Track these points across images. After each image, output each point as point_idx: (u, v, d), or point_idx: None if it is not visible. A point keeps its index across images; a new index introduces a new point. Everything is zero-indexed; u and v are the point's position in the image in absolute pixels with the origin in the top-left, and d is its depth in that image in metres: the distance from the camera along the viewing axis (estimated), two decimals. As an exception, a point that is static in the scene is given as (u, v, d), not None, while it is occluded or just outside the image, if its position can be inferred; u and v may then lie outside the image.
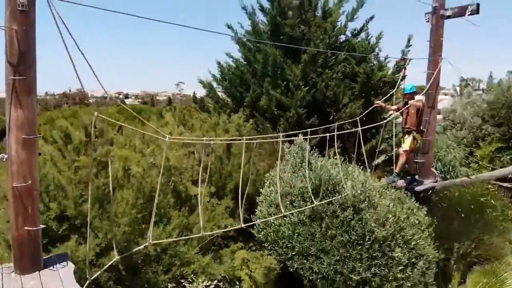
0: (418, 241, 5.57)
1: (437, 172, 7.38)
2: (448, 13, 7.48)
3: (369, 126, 7.93)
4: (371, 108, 8.94)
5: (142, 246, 4.74)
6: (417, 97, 7.33)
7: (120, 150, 6.48)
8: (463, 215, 6.23)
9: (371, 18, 11.66)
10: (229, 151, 8.38)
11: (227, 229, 6.08)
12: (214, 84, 12.03)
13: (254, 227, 6.83)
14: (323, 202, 5.69)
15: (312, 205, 5.55)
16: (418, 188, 6.86)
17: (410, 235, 5.57)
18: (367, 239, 5.45)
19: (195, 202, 6.98)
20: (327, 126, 10.47)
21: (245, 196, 5.12)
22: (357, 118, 7.58)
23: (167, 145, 4.41)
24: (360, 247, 5.46)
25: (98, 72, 3.51)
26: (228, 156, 8.26)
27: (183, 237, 5.61)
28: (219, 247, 7.07)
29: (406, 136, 7.51)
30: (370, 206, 5.80)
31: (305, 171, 6.76)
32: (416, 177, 7.37)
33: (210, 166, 7.86)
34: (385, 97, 9.96)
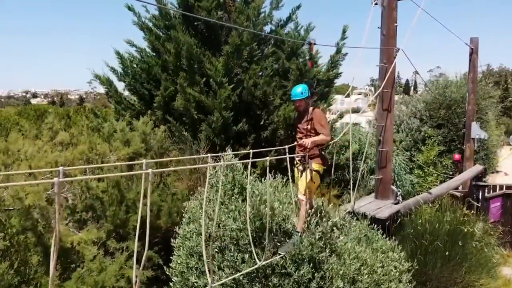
0: (401, 300, 4.01)
1: (398, 190, 6.02)
2: (403, -8, 6.16)
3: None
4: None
5: None
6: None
7: None
8: (446, 252, 4.91)
9: (298, 7, 10.27)
10: (132, 171, 6.15)
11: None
12: (115, 80, 9.56)
13: (171, 285, 4.76)
14: (270, 260, 3.84)
15: (255, 267, 3.66)
16: (381, 215, 5.38)
17: (390, 293, 3.99)
18: (336, 308, 3.73)
19: (75, 256, 4.68)
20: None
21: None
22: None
23: None
24: (327, 320, 3.72)
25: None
26: (130, 179, 6.03)
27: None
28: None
29: (302, 167, 4.50)
30: (332, 253, 4.10)
31: (237, 202, 4.87)
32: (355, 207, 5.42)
33: (102, 196, 5.62)
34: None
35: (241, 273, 3.87)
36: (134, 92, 9.37)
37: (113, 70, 9.44)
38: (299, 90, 4.62)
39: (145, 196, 2.94)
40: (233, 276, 3.88)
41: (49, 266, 4.37)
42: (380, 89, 5.88)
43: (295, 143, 4.69)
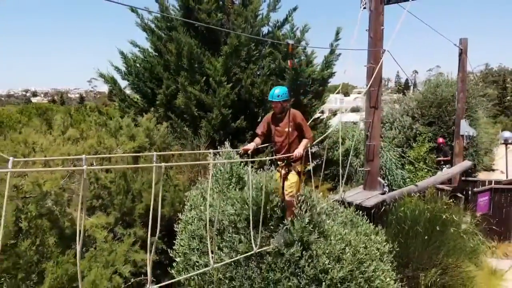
0: (381, 277, 4.45)
1: (384, 182, 6.47)
2: (390, -4, 6.60)
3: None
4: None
5: None
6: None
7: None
8: (426, 236, 5.35)
9: (295, 9, 10.72)
10: (137, 163, 6.60)
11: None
12: (119, 79, 10.00)
13: (174, 265, 5.20)
14: (266, 248, 4.30)
15: (250, 252, 4.12)
16: (367, 203, 5.84)
17: (372, 271, 4.43)
18: (321, 282, 4.17)
19: (87, 238, 5.13)
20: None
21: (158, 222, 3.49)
22: None
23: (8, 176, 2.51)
24: (313, 293, 4.17)
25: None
26: (136, 171, 6.47)
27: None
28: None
29: (285, 170, 4.60)
30: (320, 235, 4.54)
31: (235, 190, 5.32)
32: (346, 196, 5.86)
33: (110, 186, 6.07)
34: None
35: (239, 256, 4.31)
36: (137, 91, 9.79)
37: (117, 69, 9.88)
38: (277, 92, 4.63)
39: (152, 186, 3.39)
40: (233, 259, 4.31)
41: (64, 247, 4.83)
42: (368, 87, 6.32)
43: (273, 143, 4.83)
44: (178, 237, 5.44)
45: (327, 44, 10.17)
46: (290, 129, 4.62)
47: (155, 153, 3.65)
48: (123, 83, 10.39)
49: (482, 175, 15.92)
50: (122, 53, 9.68)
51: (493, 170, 18.93)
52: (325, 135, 7.27)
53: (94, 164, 6.30)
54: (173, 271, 5.25)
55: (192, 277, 4.79)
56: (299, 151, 4.51)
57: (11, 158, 2.51)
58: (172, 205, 6.71)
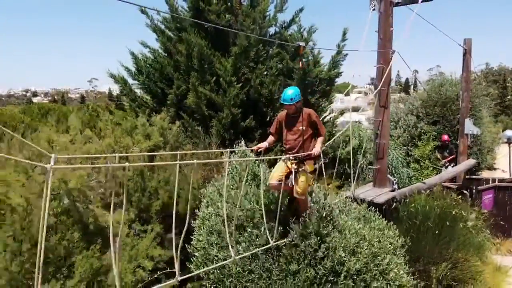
0: (395, 270, 4.62)
1: (394, 180, 6.64)
2: (397, -1, 6.77)
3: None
4: None
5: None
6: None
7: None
8: (437, 231, 5.52)
9: (301, 10, 10.89)
10: (153, 161, 6.78)
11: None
12: (129, 79, 10.16)
13: (192, 259, 5.37)
14: (283, 241, 4.48)
15: (268, 246, 4.30)
16: (378, 200, 6.01)
17: (386, 263, 4.61)
18: (338, 274, 4.35)
19: (109, 234, 5.29)
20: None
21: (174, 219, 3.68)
22: None
23: (51, 173, 2.65)
24: (330, 285, 4.34)
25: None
26: (151, 169, 6.64)
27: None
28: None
29: (297, 166, 4.67)
30: (334, 229, 4.71)
31: (251, 187, 5.49)
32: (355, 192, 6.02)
33: (127, 183, 6.23)
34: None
35: (257, 249, 4.49)
36: (148, 91, 9.95)
37: (127, 69, 10.04)
38: (290, 94, 4.71)
39: (176, 185, 3.56)
40: (251, 252, 4.49)
41: (88, 242, 5.00)
42: (379, 87, 6.49)
43: (284, 141, 4.95)
44: (195, 233, 5.61)
45: (334, 44, 10.35)
46: (304, 128, 4.78)
47: (178, 152, 3.85)
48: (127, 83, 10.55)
49: (484, 174, 16.10)
50: (132, 53, 9.84)
51: (494, 169, 19.09)
52: (339, 133, 7.45)
53: (114, 162, 6.48)
54: (191, 266, 5.43)
55: (212, 271, 4.96)
56: (317, 149, 4.71)
57: (53, 155, 2.68)
58: (186, 202, 6.89)
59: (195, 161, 3.56)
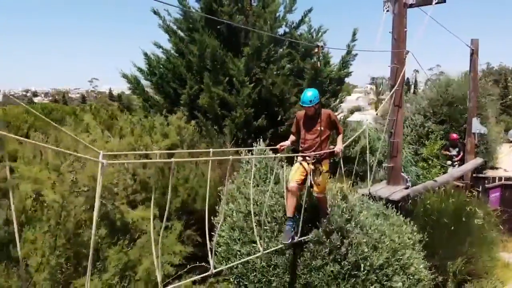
0: (414, 265, 4.76)
1: (407, 177, 6.78)
2: (411, 1, 6.88)
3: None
4: None
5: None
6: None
7: (27, 167, 4.69)
8: (452, 227, 5.66)
9: (310, 10, 11.03)
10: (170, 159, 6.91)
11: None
12: (141, 79, 10.31)
13: (214, 255, 5.49)
14: (306, 237, 4.62)
15: (293, 241, 4.44)
16: (393, 197, 6.15)
17: (406, 258, 4.75)
18: (362, 269, 4.49)
19: (133, 230, 5.44)
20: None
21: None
22: None
23: (103, 170, 2.74)
24: (354, 279, 4.48)
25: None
26: (170, 166, 6.78)
27: None
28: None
29: (314, 167, 4.78)
30: (356, 226, 4.85)
31: (273, 185, 5.61)
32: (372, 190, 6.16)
33: (149, 181, 6.37)
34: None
35: (281, 246, 4.60)
36: (161, 91, 10.08)
37: (140, 70, 10.17)
38: (309, 96, 4.81)
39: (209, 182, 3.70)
40: (278, 247, 4.63)
41: (113, 238, 5.14)
42: (395, 87, 6.62)
43: (302, 141, 5.04)
44: (216, 229, 5.75)
45: (343, 44, 10.49)
46: (322, 128, 4.92)
47: (211, 149, 3.98)
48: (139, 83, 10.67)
49: (489, 173, 16.25)
50: (145, 54, 9.99)
51: (496, 168, 19.24)
52: (357, 134, 7.60)
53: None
54: (213, 261, 5.56)
55: (235, 266, 5.10)
56: (339, 146, 4.87)
57: (101, 152, 2.82)
58: (203, 200, 7.03)
59: (230, 157, 3.69)
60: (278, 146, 5.19)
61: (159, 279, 3.24)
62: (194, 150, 6.52)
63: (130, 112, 11.00)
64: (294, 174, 4.88)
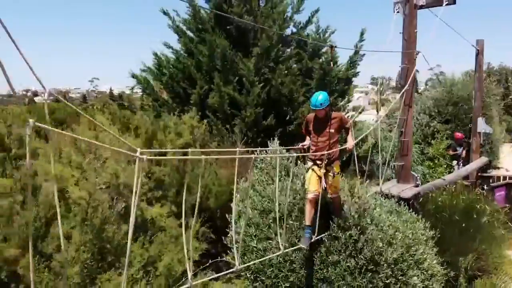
0: (428, 260, 4.89)
1: (417, 176, 6.91)
2: (421, 2, 7.01)
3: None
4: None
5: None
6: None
7: (49, 165, 4.81)
8: (463, 224, 5.79)
9: (317, 11, 11.13)
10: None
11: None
12: (151, 80, 10.42)
13: (229, 251, 5.63)
14: (323, 235, 4.75)
15: (311, 240, 4.57)
16: (404, 194, 6.27)
17: (420, 254, 4.87)
18: (378, 263, 4.61)
19: (151, 227, 5.56)
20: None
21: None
22: None
23: (141, 166, 2.87)
24: (370, 274, 4.60)
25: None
26: (185, 164, 6.90)
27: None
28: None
29: (325, 169, 4.84)
30: (371, 222, 4.98)
31: (288, 182, 5.74)
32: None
33: (165, 180, 6.50)
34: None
35: (301, 245, 4.69)
36: (171, 91, 10.20)
37: (150, 69, 10.29)
38: (320, 100, 4.82)
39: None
40: (296, 247, 4.73)
41: (133, 235, 5.24)
42: (405, 87, 6.74)
43: (312, 143, 5.07)
44: (230, 226, 5.86)
45: (350, 43, 10.59)
46: (332, 130, 4.96)
47: (238, 149, 4.10)
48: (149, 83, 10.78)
49: (492, 172, 16.36)
50: (155, 54, 10.10)
51: (498, 168, 19.35)
52: (367, 132, 7.72)
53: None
54: (228, 258, 5.69)
55: (252, 260, 5.22)
56: (351, 143, 5.00)
57: (138, 149, 2.93)
58: (216, 197, 7.16)
59: (252, 155, 3.81)
60: (300, 146, 5.31)
61: (188, 268, 3.35)
62: (221, 149, 6.66)
63: (133, 112, 11.10)
64: (310, 184, 4.90)
